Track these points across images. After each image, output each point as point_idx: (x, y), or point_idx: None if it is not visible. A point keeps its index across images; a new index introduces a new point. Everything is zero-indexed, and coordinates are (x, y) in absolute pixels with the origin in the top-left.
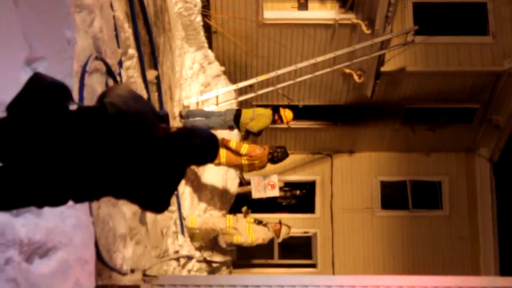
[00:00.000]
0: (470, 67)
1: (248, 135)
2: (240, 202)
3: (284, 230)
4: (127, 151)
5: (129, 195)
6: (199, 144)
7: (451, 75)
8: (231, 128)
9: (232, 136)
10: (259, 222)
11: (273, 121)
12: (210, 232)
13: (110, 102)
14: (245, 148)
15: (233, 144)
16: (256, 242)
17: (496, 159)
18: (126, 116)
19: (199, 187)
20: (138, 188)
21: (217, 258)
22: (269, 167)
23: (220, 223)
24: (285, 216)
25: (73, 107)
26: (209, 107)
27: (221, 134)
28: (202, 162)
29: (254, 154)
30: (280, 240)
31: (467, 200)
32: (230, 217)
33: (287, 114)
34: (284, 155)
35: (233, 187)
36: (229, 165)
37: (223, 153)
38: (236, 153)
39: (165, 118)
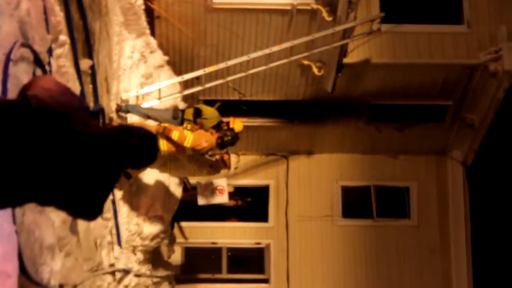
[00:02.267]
0: (442, 60)
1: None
2: (185, 209)
3: (233, 158)
4: (52, 151)
5: (56, 201)
6: (137, 144)
7: (421, 68)
8: (175, 114)
9: None
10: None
11: (219, 127)
12: None
13: (34, 95)
14: (189, 140)
15: (175, 136)
16: (195, 142)
17: (470, 162)
18: (52, 112)
19: (138, 192)
20: (65, 192)
21: (158, 272)
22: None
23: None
24: (235, 225)
25: None
26: (151, 102)
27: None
28: (140, 164)
29: (200, 148)
30: (232, 170)
31: (438, 209)
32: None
33: (236, 125)
34: (235, 139)
35: (177, 192)
36: (170, 154)
37: (163, 143)
38: (179, 145)
39: (99, 113)
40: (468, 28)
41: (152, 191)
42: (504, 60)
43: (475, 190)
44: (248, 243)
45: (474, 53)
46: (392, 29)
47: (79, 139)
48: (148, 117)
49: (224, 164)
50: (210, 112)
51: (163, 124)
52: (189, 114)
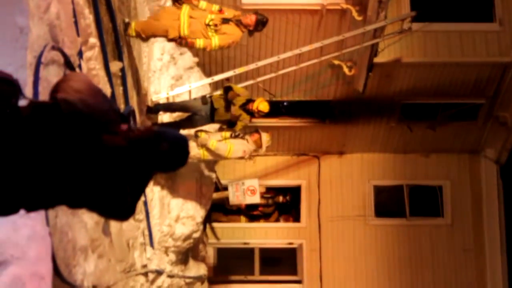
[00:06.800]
0: (474, 58)
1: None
2: (216, 210)
3: (265, 138)
4: (82, 155)
5: (87, 203)
6: (167, 149)
7: (453, 67)
8: (204, 100)
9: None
10: (235, 136)
11: (247, 104)
12: None
13: (65, 98)
14: (216, 43)
15: (200, 44)
16: (236, 153)
17: (503, 161)
18: (82, 116)
19: (170, 193)
20: (96, 194)
21: (191, 273)
22: (249, 170)
23: None
24: (267, 225)
25: (23, 102)
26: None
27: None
28: (170, 169)
29: (229, 43)
30: (264, 150)
31: (472, 207)
32: (202, 133)
33: (262, 105)
34: (266, 20)
35: (209, 192)
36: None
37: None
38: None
39: (130, 116)
40: (501, 26)
41: (184, 191)
42: None
43: (509, 189)
44: (281, 243)
45: (507, 51)
46: (423, 27)
47: (108, 151)
48: (180, 109)
49: (255, 144)
50: (241, 90)
51: (184, 35)
52: (219, 95)
